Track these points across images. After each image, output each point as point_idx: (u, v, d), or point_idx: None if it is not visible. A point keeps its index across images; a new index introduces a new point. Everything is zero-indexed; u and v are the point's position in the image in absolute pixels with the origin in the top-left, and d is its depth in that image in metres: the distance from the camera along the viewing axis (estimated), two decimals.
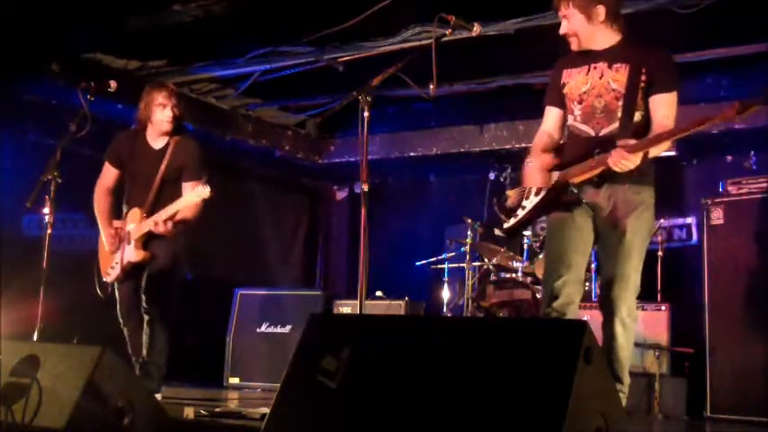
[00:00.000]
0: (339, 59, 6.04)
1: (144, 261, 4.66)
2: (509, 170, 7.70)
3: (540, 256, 6.13)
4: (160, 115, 4.70)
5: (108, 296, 4.78)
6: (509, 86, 6.74)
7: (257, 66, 6.35)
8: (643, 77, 3.56)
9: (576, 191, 3.62)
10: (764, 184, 5.19)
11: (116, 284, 4.77)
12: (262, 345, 6.51)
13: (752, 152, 6.84)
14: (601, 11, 3.62)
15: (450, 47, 4.13)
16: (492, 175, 7.87)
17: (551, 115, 3.90)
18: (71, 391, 2.98)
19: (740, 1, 4.97)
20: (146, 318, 4.69)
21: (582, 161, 3.61)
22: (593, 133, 3.64)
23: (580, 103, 3.70)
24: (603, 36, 3.68)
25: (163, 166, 4.70)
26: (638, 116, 3.57)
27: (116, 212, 4.90)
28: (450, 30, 3.79)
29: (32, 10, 5.27)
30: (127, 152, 4.81)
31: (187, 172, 4.73)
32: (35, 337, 4.16)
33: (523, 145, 7.30)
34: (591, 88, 3.68)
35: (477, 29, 3.92)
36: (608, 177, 3.55)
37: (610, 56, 3.65)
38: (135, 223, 4.68)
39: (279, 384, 2.73)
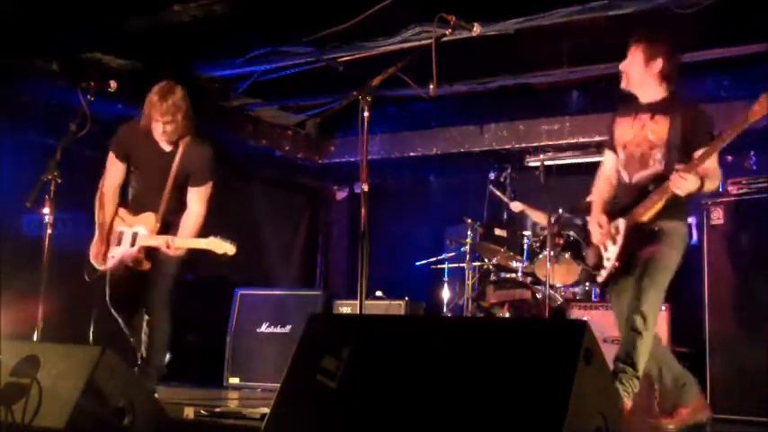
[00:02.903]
0: (339, 59, 6.04)
1: (142, 270, 4.64)
2: (509, 170, 7.72)
3: (540, 256, 6.13)
4: (156, 128, 4.59)
5: (94, 281, 4.68)
6: (509, 86, 6.74)
7: (257, 66, 6.35)
8: (681, 133, 3.93)
9: (650, 227, 3.96)
10: (764, 184, 5.18)
11: (110, 278, 4.68)
12: (262, 345, 6.51)
13: (752, 152, 6.83)
14: (659, 63, 4.00)
15: (450, 47, 4.13)
16: (492, 175, 7.87)
17: (608, 158, 4.29)
18: (71, 391, 2.98)
19: (740, 1, 4.97)
20: (146, 317, 4.68)
21: (634, 204, 4.01)
22: (627, 179, 4.09)
23: (624, 149, 4.12)
24: (652, 89, 4.06)
25: (173, 172, 4.63)
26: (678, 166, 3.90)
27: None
28: (450, 30, 3.80)
29: (32, 10, 5.27)
30: (135, 148, 4.71)
31: (195, 176, 4.68)
32: (35, 337, 4.16)
33: (523, 145, 7.31)
34: (632, 138, 4.07)
35: (477, 29, 3.93)
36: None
37: (653, 109, 4.03)
38: (147, 228, 4.62)
39: (279, 384, 2.73)
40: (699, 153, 3.84)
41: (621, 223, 4.05)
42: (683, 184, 3.81)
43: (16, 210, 5.70)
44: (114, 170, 4.76)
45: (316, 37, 5.80)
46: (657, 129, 4.00)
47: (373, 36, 5.72)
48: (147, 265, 4.63)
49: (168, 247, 4.50)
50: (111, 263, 4.66)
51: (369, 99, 3.67)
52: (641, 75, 4.05)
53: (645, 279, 3.96)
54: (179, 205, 4.68)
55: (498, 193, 7.07)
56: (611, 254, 4.08)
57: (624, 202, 4.09)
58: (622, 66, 4.10)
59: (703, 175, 3.86)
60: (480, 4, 4.59)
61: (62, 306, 4.56)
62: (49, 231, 4.28)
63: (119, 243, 4.68)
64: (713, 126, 4.00)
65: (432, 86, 3.71)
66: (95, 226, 4.72)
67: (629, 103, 4.15)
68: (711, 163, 3.91)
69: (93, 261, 4.68)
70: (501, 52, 5.95)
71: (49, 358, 3.12)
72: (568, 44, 6.00)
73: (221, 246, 4.52)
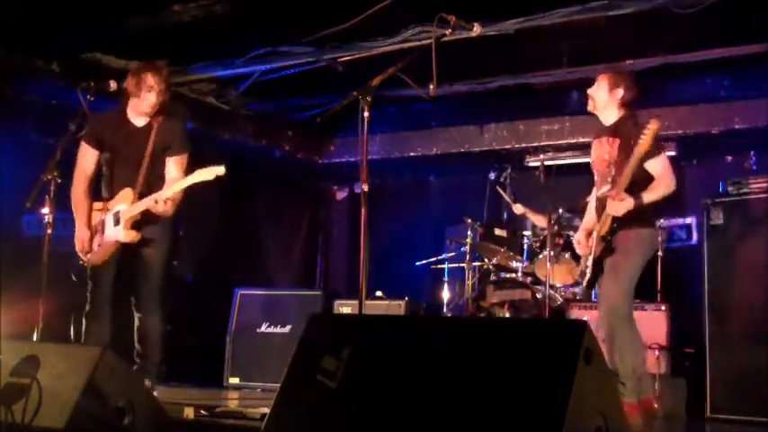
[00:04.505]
0: (339, 59, 6.03)
1: (133, 242, 4.56)
2: (509, 170, 7.73)
3: (540, 256, 6.13)
4: (145, 98, 4.61)
5: (84, 281, 4.63)
6: (509, 86, 6.74)
7: (257, 66, 6.35)
8: (625, 149, 4.29)
9: (609, 238, 4.35)
10: (764, 184, 5.19)
11: (97, 268, 4.62)
12: (262, 345, 6.51)
13: (752, 152, 6.84)
14: (620, 92, 4.45)
15: (450, 47, 4.13)
16: (492, 175, 7.88)
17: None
18: (71, 391, 2.98)
19: (740, 1, 4.97)
20: (137, 314, 4.66)
21: (598, 218, 4.44)
22: (597, 195, 4.53)
23: (594, 169, 4.59)
24: (612, 113, 4.50)
25: (150, 146, 4.61)
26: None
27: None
28: (450, 30, 3.80)
29: (32, 10, 5.27)
30: (107, 132, 4.70)
31: (172, 147, 4.68)
32: (35, 337, 4.16)
33: (523, 145, 7.31)
34: (596, 158, 4.55)
35: (477, 29, 3.93)
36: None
37: (609, 131, 4.48)
38: (126, 204, 4.56)
39: (279, 384, 2.73)
40: (621, 178, 4.25)
41: (592, 238, 4.46)
42: (616, 207, 4.26)
43: (16, 210, 5.70)
44: (87, 157, 4.71)
45: (315, 37, 5.79)
46: (610, 149, 4.42)
47: (373, 36, 5.72)
48: (138, 236, 4.56)
49: (156, 202, 4.45)
50: (102, 250, 4.61)
51: (369, 99, 3.67)
52: (605, 100, 4.48)
53: (607, 288, 4.36)
54: (156, 180, 4.63)
55: (502, 193, 7.08)
56: (589, 263, 4.46)
57: (596, 217, 4.51)
58: (590, 91, 4.53)
59: (640, 190, 4.26)
60: (480, 4, 4.59)
61: (62, 306, 4.55)
62: (48, 231, 4.28)
63: (103, 231, 4.63)
64: (657, 145, 4.29)
65: (432, 86, 3.71)
66: (77, 226, 4.65)
67: (599, 127, 4.60)
68: (654, 171, 4.30)
69: (79, 252, 4.63)
70: (501, 52, 5.95)
71: (49, 358, 3.12)
72: (568, 44, 6.00)
73: (209, 172, 4.43)
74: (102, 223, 4.64)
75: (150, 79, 4.59)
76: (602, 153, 4.49)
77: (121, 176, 4.65)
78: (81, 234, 4.64)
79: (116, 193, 4.64)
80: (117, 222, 4.58)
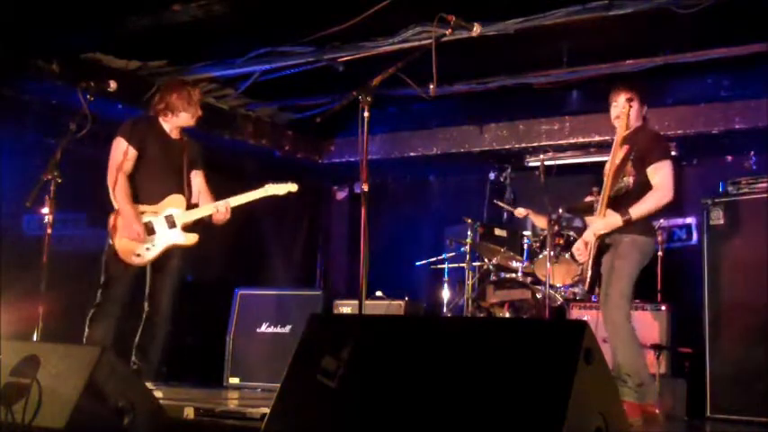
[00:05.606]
0: (339, 59, 6.03)
1: (193, 245, 4.76)
2: (509, 170, 7.72)
3: (540, 256, 6.13)
4: (194, 112, 4.87)
5: (97, 277, 4.69)
6: (509, 86, 6.74)
7: (257, 66, 6.34)
8: (632, 153, 4.39)
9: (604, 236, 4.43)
10: (764, 184, 5.19)
11: (121, 268, 4.68)
12: (262, 345, 6.50)
13: (752, 152, 6.84)
14: (645, 107, 4.54)
15: (450, 47, 4.13)
16: (492, 175, 7.88)
17: None
18: (71, 391, 2.98)
19: (740, 1, 4.97)
20: (146, 312, 4.68)
21: None
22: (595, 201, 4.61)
23: (604, 176, 4.56)
24: (632, 124, 4.52)
25: (185, 158, 4.87)
26: (626, 180, 4.40)
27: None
28: (450, 30, 3.81)
29: (33, 10, 5.27)
30: (149, 138, 4.84)
31: (197, 162, 4.97)
32: (35, 337, 4.16)
33: (523, 145, 7.31)
34: (608, 167, 4.51)
35: (477, 29, 3.93)
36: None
37: (625, 140, 4.49)
38: (179, 208, 4.75)
39: (279, 384, 2.73)
40: (606, 191, 4.37)
41: (590, 243, 4.48)
42: (597, 226, 4.39)
43: (16, 210, 5.70)
44: (125, 154, 4.75)
45: (316, 37, 5.79)
46: (620, 154, 4.45)
47: (373, 36, 5.72)
48: (197, 239, 4.79)
49: (218, 210, 4.73)
50: (154, 252, 4.69)
51: (369, 99, 3.68)
52: (637, 117, 4.51)
53: (606, 289, 4.38)
54: (189, 188, 4.91)
55: (502, 204, 7.07)
56: (589, 270, 4.48)
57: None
58: (620, 113, 4.46)
59: (638, 196, 4.32)
60: (480, 4, 4.59)
61: (62, 306, 4.55)
62: (48, 231, 4.28)
63: (150, 232, 4.69)
64: (665, 151, 4.44)
65: (432, 86, 3.72)
66: (131, 217, 4.63)
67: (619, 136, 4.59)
68: (653, 179, 4.32)
69: (130, 243, 4.63)
70: (501, 52, 5.95)
71: (49, 358, 3.12)
72: (568, 44, 6.00)
73: (281, 188, 4.92)
74: (150, 225, 4.71)
75: (198, 94, 4.93)
76: (612, 161, 4.51)
77: (160, 182, 4.79)
78: (135, 228, 4.63)
79: (156, 198, 4.75)
80: (172, 225, 4.72)
